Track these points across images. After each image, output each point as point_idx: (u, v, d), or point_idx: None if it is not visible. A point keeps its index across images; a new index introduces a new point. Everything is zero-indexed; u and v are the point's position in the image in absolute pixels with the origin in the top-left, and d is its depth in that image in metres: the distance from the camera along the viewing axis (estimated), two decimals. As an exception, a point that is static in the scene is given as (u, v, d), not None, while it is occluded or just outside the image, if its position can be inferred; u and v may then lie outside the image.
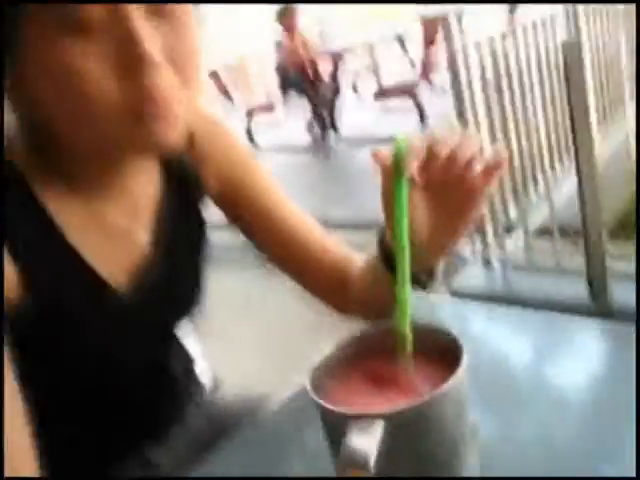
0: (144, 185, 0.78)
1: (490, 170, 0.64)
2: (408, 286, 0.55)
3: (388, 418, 0.47)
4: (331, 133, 6.80)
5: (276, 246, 0.88)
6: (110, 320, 0.74)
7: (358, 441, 0.45)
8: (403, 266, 0.56)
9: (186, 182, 0.83)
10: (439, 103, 5.23)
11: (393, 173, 0.58)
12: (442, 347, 0.53)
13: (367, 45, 6.80)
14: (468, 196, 0.66)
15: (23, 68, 0.61)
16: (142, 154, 0.71)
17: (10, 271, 0.65)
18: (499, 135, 2.82)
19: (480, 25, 2.88)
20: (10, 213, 0.66)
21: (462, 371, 0.50)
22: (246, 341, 2.93)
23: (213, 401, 0.99)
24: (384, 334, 0.56)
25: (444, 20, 2.71)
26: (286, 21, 6.48)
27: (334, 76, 6.35)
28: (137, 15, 0.59)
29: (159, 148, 0.65)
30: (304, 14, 6.83)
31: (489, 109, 2.73)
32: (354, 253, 0.88)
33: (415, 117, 5.91)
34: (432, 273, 0.74)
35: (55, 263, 0.69)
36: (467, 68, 2.66)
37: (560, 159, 3.02)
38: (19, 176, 0.68)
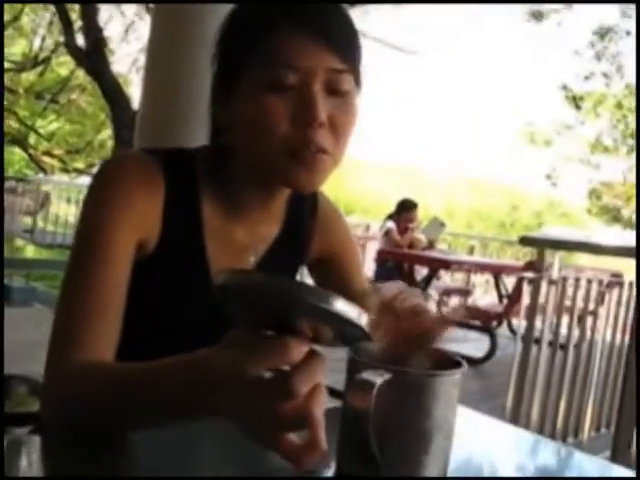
0: (270, 221, 0.99)
1: (443, 322, 0.72)
2: None
3: (392, 371, 0.64)
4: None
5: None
6: (198, 305, 0.91)
7: (368, 375, 0.63)
8: None
9: (299, 233, 1.04)
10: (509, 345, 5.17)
11: None
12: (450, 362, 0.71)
13: (466, 265, 6.93)
14: (422, 335, 0.74)
15: (234, 105, 0.85)
16: (286, 186, 0.90)
17: (156, 223, 0.87)
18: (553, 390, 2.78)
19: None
20: (179, 190, 0.89)
21: (456, 373, 0.67)
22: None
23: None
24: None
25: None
26: (404, 216, 6.71)
27: (427, 282, 6.38)
28: (317, 87, 0.81)
29: (299, 187, 0.86)
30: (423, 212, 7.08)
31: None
32: None
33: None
34: None
35: (186, 243, 0.91)
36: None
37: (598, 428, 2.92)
38: (194, 175, 0.92)
